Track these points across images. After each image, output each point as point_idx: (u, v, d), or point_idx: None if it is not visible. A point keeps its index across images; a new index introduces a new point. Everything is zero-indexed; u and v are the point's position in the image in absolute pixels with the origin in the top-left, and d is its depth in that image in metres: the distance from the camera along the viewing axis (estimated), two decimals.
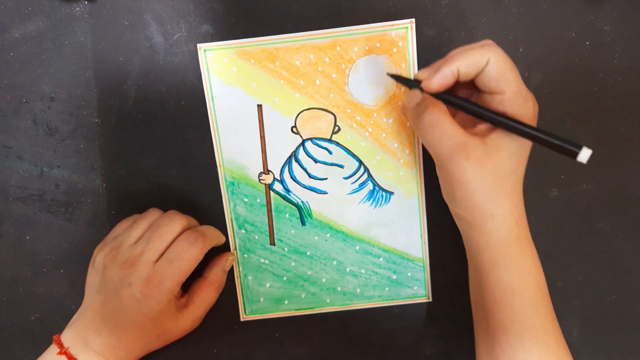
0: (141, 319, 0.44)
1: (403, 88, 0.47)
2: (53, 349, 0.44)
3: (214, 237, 0.47)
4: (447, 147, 0.39)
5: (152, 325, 0.44)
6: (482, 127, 0.40)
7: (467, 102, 0.39)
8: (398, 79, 0.43)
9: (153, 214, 0.47)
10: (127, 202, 0.50)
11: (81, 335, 0.44)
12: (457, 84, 0.41)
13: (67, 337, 0.45)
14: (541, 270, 0.42)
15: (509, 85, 0.37)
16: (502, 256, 0.40)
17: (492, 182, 0.38)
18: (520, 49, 0.48)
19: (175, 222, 0.45)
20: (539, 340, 0.41)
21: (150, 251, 0.43)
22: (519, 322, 0.40)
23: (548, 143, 0.36)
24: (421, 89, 0.40)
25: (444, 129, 0.39)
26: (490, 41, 0.39)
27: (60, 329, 0.51)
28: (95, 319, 0.44)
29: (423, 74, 0.40)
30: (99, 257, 0.45)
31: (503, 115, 0.38)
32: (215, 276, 0.48)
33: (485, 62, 0.38)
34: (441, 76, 0.38)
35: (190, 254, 0.44)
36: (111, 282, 0.43)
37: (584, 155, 0.32)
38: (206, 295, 0.48)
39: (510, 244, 0.40)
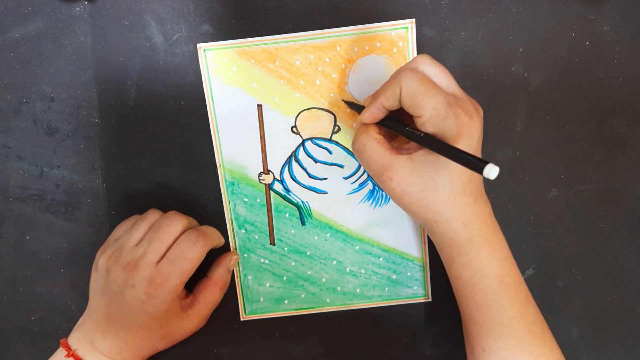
0: (146, 319, 0.44)
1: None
2: (60, 352, 0.44)
3: (215, 237, 0.47)
4: (375, 169, 0.41)
5: (158, 326, 0.44)
6: (412, 144, 0.42)
7: (394, 124, 0.42)
8: (350, 105, 0.47)
9: (153, 215, 0.47)
10: (127, 202, 0.50)
11: (87, 338, 0.44)
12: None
13: (74, 340, 0.45)
14: (505, 264, 0.43)
15: (423, 110, 0.38)
16: (458, 254, 0.43)
17: (423, 194, 0.40)
18: (520, 49, 0.48)
19: (176, 223, 0.45)
20: (505, 329, 0.42)
21: (152, 252, 0.43)
22: (483, 314, 0.43)
23: (456, 159, 0.36)
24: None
25: (370, 153, 0.41)
26: (416, 61, 0.41)
27: (60, 329, 0.52)
28: (101, 321, 0.44)
29: (366, 101, 0.43)
30: (102, 260, 0.45)
31: (419, 136, 0.39)
32: (220, 276, 0.48)
33: (398, 92, 0.39)
34: (369, 113, 0.42)
35: (192, 253, 0.44)
36: (115, 284, 0.44)
37: (489, 171, 0.33)
38: (211, 295, 0.48)
39: (462, 244, 0.42)
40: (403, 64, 0.43)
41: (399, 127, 0.41)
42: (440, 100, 0.38)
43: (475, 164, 0.34)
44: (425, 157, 0.40)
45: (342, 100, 0.48)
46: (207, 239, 0.45)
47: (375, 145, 0.41)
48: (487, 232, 0.42)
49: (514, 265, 0.43)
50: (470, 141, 0.39)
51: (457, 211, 0.41)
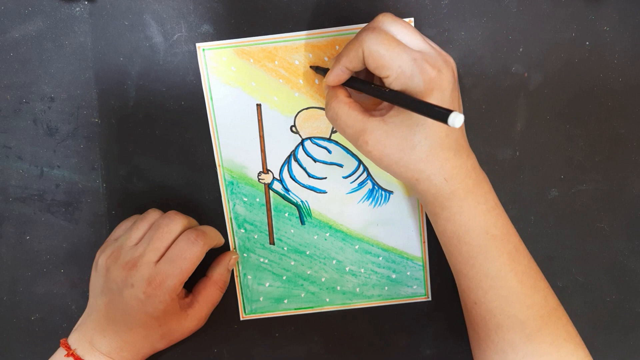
0: (145, 319, 0.44)
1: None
2: (60, 352, 0.45)
3: (214, 236, 0.47)
4: (350, 135, 0.41)
5: (157, 325, 0.44)
6: (384, 104, 0.42)
7: (362, 85, 0.41)
8: (317, 70, 0.46)
9: (153, 214, 0.47)
10: (127, 202, 0.50)
11: (87, 337, 0.44)
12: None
13: (73, 339, 0.45)
14: (491, 215, 0.42)
15: (389, 70, 0.38)
16: (441, 209, 0.42)
17: (399, 156, 0.40)
18: (520, 49, 0.48)
19: (176, 222, 0.45)
20: (495, 281, 0.42)
21: (152, 251, 0.43)
22: (471, 266, 0.43)
23: (422, 111, 0.35)
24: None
25: (344, 119, 0.41)
26: (375, 22, 0.40)
27: (60, 329, 0.52)
28: (100, 321, 0.45)
29: (331, 63, 0.43)
30: (101, 259, 0.45)
31: (386, 93, 0.39)
32: (219, 275, 0.48)
33: (361, 53, 0.39)
34: (333, 75, 0.41)
35: (191, 253, 0.44)
36: (114, 283, 0.44)
37: (454, 119, 0.32)
38: (210, 295, 0.48)
39: (445, 198, 0.42)
40: (365, 25, 0.42)
41: (365, 86, 0.41)
42: (404, 59, 0.38)
43: (439, 113, 0.33)
44: (397, 117, 0.40)
45: (310, 66, 0.47)
46: (206, 239, 0.45)
47: (347, 110, 0.41)
48: (470, 184, 0.42)
49: (501, 216, 0.43)
50: (441, 95, 0.38)
51: (437, 167, 0.40)
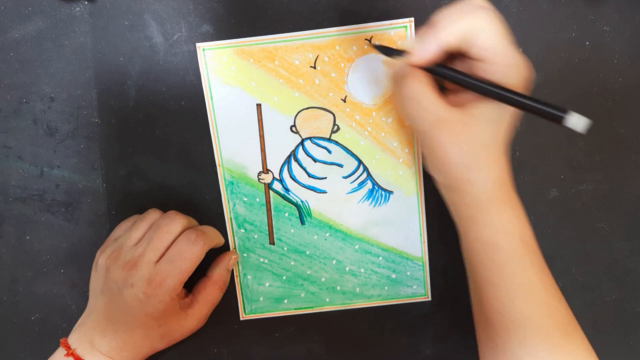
0: (145, 319, 0.44)
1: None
2: (60, 352, 0.44)
3: (214, 236, 0.47)
4: (426, 123, 0.38)
5: (157, 325, 0.44)
6: (464, 95, 0.39)
7: (452, 71, 0.37)
8: (384, 50, 0.42)
9: (153, 214, 0.47)
10: (127, 202, 0.50)
11: (87, 337, 0.44)
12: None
13: (73, 339, 0.45)
14: (525, 226, 0.41)
15: (498, 55, 0.36)
16: (480, 214, 0.40)
17: (470, 151, 0.38)
18: (520, 49, 0.48)
19: (176, 222, 0.45)
20: (525, 290, 0.40)
21: (152, 251, 0.43)
22: (503, 274, 0.40)
23: (534, 109, 0.34)
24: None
25: (423, 105, 0.38)
26: (480, 2, 0.37)
27: (60, 329, 0.52)
28: (100, 321, 0.45)
29: (409, 46, 0.39)
30: (101, 259, 0.45)
31: (487, 84, 0.36)
32: (219, 275, 0.48)
33: (465, 28, 0.36)
34: (425, 50, 0.37)
35: (191, 253, 0.44)
36: (114, 283, 0.44)
37: (574, 120, 0.31)
38: (210, 295, 0.48)
39: (488, 202, 0.40)
40: (457, 4, 0.37)
41: (459, 74, 0.36)
42: (513, 49, 0.35)
43: (556, 115, 0.31)
44: (476, 111, 0.37)
45: (373, 45, 0.44)
46: (206, 239, 0.45)
47: (431, 95, 0.37)
48: (511, 193, 0.40)
49: (529, 225, 0.42)
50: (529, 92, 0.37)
51: (494, 169, 0.39)
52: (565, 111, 0.31)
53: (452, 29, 0.36)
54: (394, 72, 0.40)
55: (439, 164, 0.40)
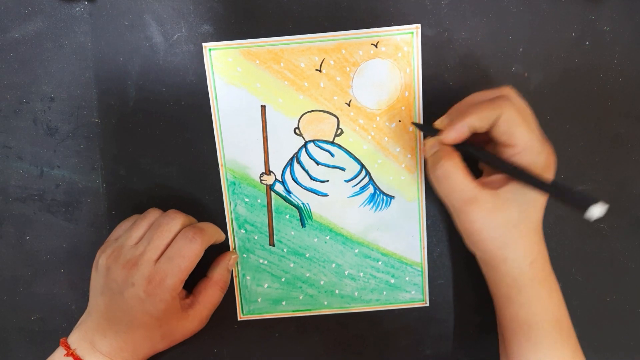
0: (146, 318, 0.44)
1: (423, 135, 0.49)
2: (60, 352, 0.44)
3: (213, 233, 0.47)
4: (457, 200, 0.41)
5: (158, 325, 0.44)
6: (497, 177, 0.41)
7: (482, 152, 0.41)
8: (420, 127, 0.47)
9: (153, 214, 0.47)
10: (127, 202, 0.50)
11: (87, 337, 0.44)
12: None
13: (73, 339, 0.45)
14: (560, 306, 0.43)
15: (519, 140, 0.39)
16: (517, 294, 0.42)
17: (502, 231, 0.40)
18: (520, 49, 0.48)
19: (176, 221, 0.45)
20: None
21: (152, 250, 0.43)
22: (536, 353, 0.42)
23: (559, 196, 0.36)
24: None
25: (454, 183, 0.40)
26: (507, 91, 0.41)
27: (60, 329, 0.52)
28: (101, 321, 0.44)
29: (441, 123, 0.43)
30: (102, 259, 0.45)
31: (514, 168, 0.39)
32: (220, 276, 0.48)
33: (496, 117, 0.39)
34: (455, 131, 0.40)
35: (189, 250, 0.44)
36: (114, 283, 0.44)
37: (596, 211, 0.32)
38: (211, 295, 0.48)
39: (524, 283, 0.42)
40: (487, 90, 0.42)
41: (489, 155, 0.40)
42: (536, 135, 0.39)
43: (581, 202, 0.33)
44: (511, 194, 0.40)
45: (412, 122, 0.48)
46: (204, 236, 0.45)
47: (462, 174, 0.40)
48: (547, 272, 0.42)
49: (566, 309, 0.44)
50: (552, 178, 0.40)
51: (527, 250, 0.41)
52: (589, 202, 0.33)
53: (477, 115, 0.39)
54: (431, 150, 0.43)
55: (475, 240, 0.42)
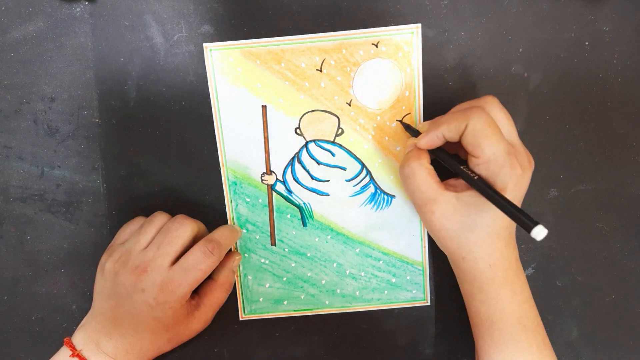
0: (154, 323, 0.44)
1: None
2: (64, 352, 0.44)
3: (229, 243, 0.47)
4: (419, 199, 0.43)
5: (165, 330, 0.45)
6: (461, 182, 0.43)
7: (448, 159, 0.43)
8: (406, 127, 0.48)
9: (160, 218, 0.46)
10: (128, 202, 0.50)
11: (92, 338, 0.44)
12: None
13: (78, 339, 0.44)
14: (526, 309, 0.44)
15: (482, 151, 0.40)
16: (478, 291, 0.44)
17: (458, 233, 0.42)
18: (520, 49, 0.48)
19: (185, 227, 0.45)
20: None
21: (162, 256, 0.43)
22: (500, 352, 0.44)
23: (506, 211, 0.37)
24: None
25: (418, 182, 0.43)
26: (485, 101, 0.42)
27: (61, 329, 0.51)
28: (106, 323, 0.44)
29: (422, 128, 0.44)
30: (109, 263, 0.45)
31: (471, 178, 0.40)
32: (225, 278, 0.49)
33: (463, 127, 0.40)
34: (428, 139, 0.42)
35: (206, 265, 0.44)
36: (123, 287, 0.44)
37: (538, 232, 0.35)
38: (217, 297, 0.48)
39: (484, 282, 0.43)
40: (470, 101, 0.43)
41: (453, 163, 0.42)
42: (501, 148, 0.39)
43: (524, 222, 0.35)
44: (471, 199, 0.41)
45: (399, 121, 0.48)
46: (221, 251, 0.45)
47: (425, 175, 0.42)
48: (510, 274, 0.43)
49: (533, 308, 0.44)
50: (518, 193, 0.41)
51: (486, 253, 0.42)
52: (531, 224, 0.35)
53: (448, 125, 0.41)
54: (407, 150, 0.45)
55: (435, 237, 0.45)
